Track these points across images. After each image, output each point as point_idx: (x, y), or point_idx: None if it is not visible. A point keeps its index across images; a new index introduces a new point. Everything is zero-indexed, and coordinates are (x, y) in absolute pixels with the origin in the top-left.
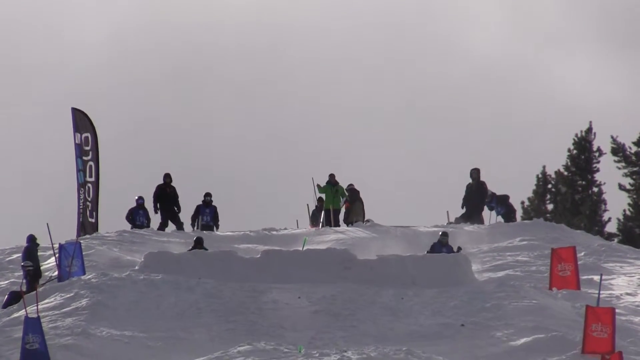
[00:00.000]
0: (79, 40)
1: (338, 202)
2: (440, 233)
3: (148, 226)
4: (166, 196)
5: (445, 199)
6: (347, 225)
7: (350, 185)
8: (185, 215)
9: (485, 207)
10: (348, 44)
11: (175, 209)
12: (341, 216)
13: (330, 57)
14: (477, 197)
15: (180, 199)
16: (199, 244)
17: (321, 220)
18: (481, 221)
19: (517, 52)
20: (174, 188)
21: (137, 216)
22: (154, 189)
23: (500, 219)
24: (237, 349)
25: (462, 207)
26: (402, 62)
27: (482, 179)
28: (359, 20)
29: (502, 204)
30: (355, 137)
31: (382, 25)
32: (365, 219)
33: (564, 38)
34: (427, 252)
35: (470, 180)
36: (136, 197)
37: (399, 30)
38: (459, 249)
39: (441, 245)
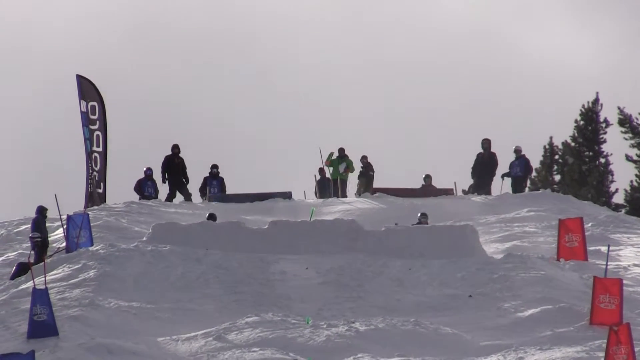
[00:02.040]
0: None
1: (345, 174)
2: (419, 214)
3: (156, 197)
4: (174, 167)
5: (452, 170)
6: (355, 196)
7: (364, 157)
8: (194, 187)
9: (497, 177)
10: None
11: (184, 180)
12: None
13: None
14: (487, 168)
15: (188, 170)
16: (211, 218)
17: (331, 189)
18: (489, 192)
19: (514, 21)
20: (182, 159)
21: (145, 187)
22: (162, 160)
23: (508, 185)
24: (245, 320)
25: (472, 177)
26: (402, 32)
27: (492, 149)
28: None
29: (526, 169)
30: (361, 109)
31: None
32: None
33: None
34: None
35: (480, 150)
36: (144, 168)
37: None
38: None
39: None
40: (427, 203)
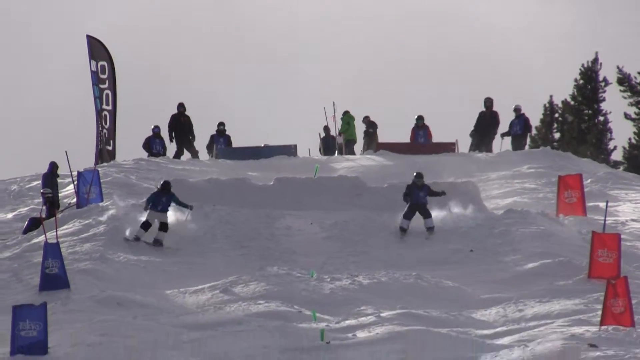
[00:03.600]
0: None
1: (352, 133)
2: (414, 174)
3: (164, 154)
4: (181, 125)
5: (454, 127)
6: (360, 154)
7: (366, 117)
8: (201, 144)
9: (498, 135)
10: None
11: (190, 137)
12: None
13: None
14: (489, 126)
15: (195, 128)
16: (164, 189)
17: (335, 146)
18: (490, 149)
19: None
20: (188, 117)
21: (153, 145)
22: (169, 118)
23: (508, 143)
24: (251, 273)
25: (471, 134)
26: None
27: (493, 108)
28: None
29: (525, 127)
30: (365, 67)
31: None
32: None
33: None
34: (404, 194)
35: (483, 109)
36: (152, 126)
37: None
38: (443, 193)
39: (417, 188)
40: (430, 160)
